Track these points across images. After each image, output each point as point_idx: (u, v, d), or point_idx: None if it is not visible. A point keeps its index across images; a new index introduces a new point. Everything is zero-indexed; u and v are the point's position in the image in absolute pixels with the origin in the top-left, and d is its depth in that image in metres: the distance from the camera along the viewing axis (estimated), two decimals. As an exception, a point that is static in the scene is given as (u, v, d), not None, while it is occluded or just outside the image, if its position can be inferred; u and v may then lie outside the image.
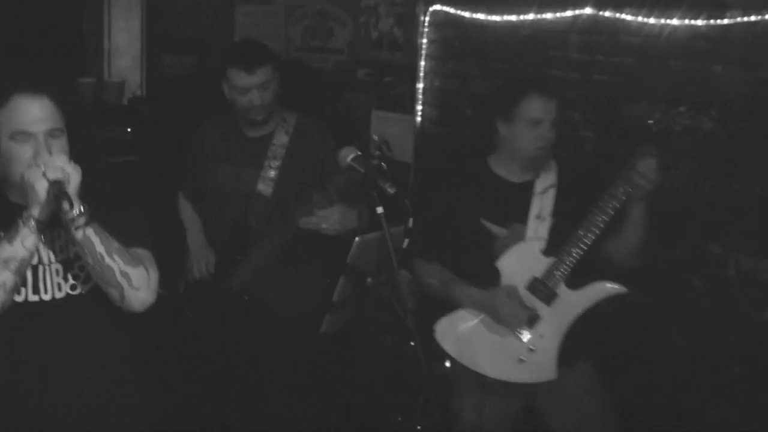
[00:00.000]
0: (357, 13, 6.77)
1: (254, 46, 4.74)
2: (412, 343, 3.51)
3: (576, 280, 4.06)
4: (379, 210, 3.45)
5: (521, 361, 4.12)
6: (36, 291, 3.22)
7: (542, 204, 4.19)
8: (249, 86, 4.49)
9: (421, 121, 6.20)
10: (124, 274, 3.10)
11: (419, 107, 6.20)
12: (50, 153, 3.05)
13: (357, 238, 4.31)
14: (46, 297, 3.23)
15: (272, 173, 4.62)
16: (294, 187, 4.56)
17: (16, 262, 3.00)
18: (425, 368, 3.50)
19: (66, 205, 2.93)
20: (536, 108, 4.07)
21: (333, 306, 4.43)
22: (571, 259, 4.01)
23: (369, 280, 4.29)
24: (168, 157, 7.15)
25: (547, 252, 4.11)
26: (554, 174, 4.23)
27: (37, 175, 2.96)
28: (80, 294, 3.28)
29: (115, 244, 3.08)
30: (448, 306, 4.21)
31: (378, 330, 5.53)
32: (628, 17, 4.98)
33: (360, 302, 4.60)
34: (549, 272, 4.07)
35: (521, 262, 4.14)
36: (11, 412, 3.27)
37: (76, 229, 3.00)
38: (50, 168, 2.96)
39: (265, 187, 4.62)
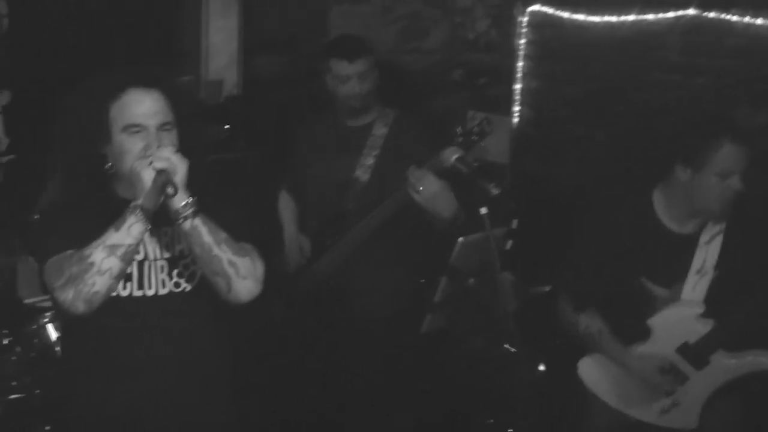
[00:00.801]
0: (453, 13, 6.75)
1: (354, 38, 4.96)
2: (507, 346, 3.49)
3: (735, 340, 3.85)
4: (483, 211, 3.43)
5: (664, 411, 3.99)
6: (141, 286, 3.26)
7: (706, 255, 3.88)
8: (350, 74, 4.66)
9: (518, 123, 6.16)
10: (231, 264, 3.12)
11: (516, 108, 6.17)
12: (160, 146, 3.09)
13: (460, 239, 4.30)
14: (150, 292, 3.27)
15: (370, 161, 4.74)
16: (390, 176, 4.57)
17: (123, 249, 3.01)
18: (523, 372, 3.47)
19: (171, 191, 2.98)
20: (728, 159, 3.67)
21: (434, 306, 4.42)
22: (733, 324, 3.78)
23: (471, 281, 4.27)
24: (262, 155, 7.19)
25: (706, 313, 3.86)
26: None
27: (144, 164, 3.01)
28: (183, 291, 3.31)
29: (223, 234, 3.12)
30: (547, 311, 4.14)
31: (468, 331, 5.51)
32: (734, 18, 4.88)
33: (461, 303, 4.59)
34: (705, 340, 3.84)
35: (676, 325, 3.91)
36: (109, 404, 3.30)
37: (184, 219, 3.05)
38: (157, 158, 3.01)
39: (362, 174, 4.74)
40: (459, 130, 4.13)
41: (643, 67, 5.40)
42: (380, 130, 4.78)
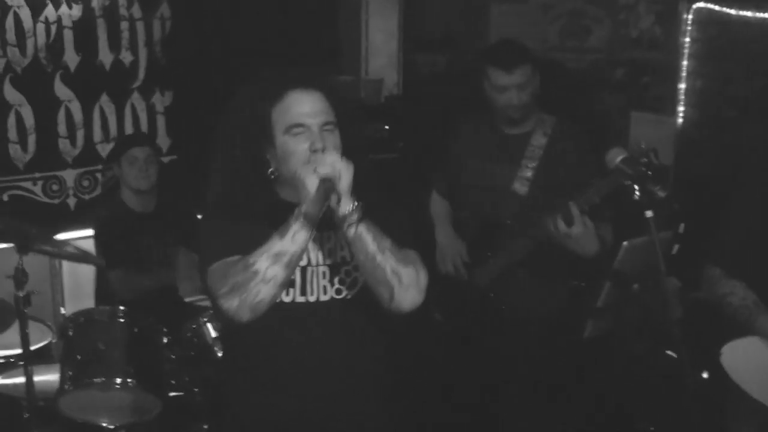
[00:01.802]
0: (615, 10, 6.65)
1: (514, 46, 4.69)
2: (669, 353, 3.40)
3: None
4: (648, 214, 3.34)
5: None
6: (303, 292, 3.26)
7: None
8: (507, 85, 4.48)
9: (683, 123, 6.04)
10: (395, 273, 3.08)
11: (681, 108, 6.04)
12: (324, 147, 3.09)
13: (625, 243, 4.23)
14: (312, 298, 3.26)
15: (529, 173, 4.57)
16: (549, 189, 4.48)
17: (287, 257, 3.00)
18: (689, 380, 3.38)
19: (335, 201, 2.97)
20: None
21: (597, 311, 4.36)
22: None
23: (635, 286, 4.18)
24: (422, 154, 7.19)
25: None
26: None
27: (309, 171, 2.98)
28: (344, 298, 3.29)
29: (387, 242, 3.08)
30: (722, 323, 4.01)
31: (631, 336, 5.42)
32: None
33: (624, 308, 4.51)
34: None
35: None
36: (267, 407, 3.32)
37: (349, 226, 3.02)
38: (322, 164, 2.98)
39: (520, 186, 4.58)
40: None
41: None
42: (539, 140, 4.62)
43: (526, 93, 4.51)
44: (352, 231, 3.02)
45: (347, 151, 3.12)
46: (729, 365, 3.79)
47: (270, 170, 3.21)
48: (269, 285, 2.99)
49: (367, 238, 3.04)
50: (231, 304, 3.02)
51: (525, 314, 4.60)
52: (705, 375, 4.12)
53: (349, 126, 3.27)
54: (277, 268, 2.99)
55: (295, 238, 2.99)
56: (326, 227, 3.16)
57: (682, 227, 3.57)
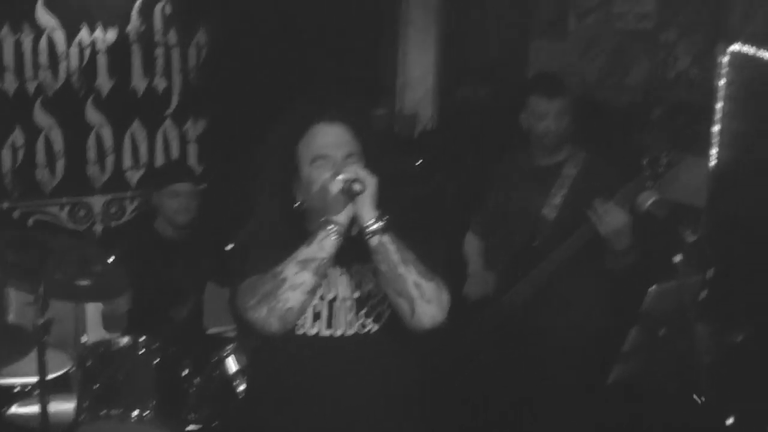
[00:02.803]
0: (654, 50, 6.61)
1: (554, 77, 5.06)
2: (696, 396, 3.37)
3: None
4: (677, 258, 3.33)
5: None
6: (330, 326, 3.27)
7: None
8: (547, 112, 4.75)
9: (716, 164, 5.99)
10: (417, 285, 3.08)
11: (714, 150, 6.00)
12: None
13: (653, 287, 4.18)
14: (338, 333, 3.28)
15: (558, 200, 4.79)
16: (577, 215, 4.56)
17: (315, 263, 3.03)
18: (710, 425, 3.33)
19: (358, 187, 2.99)
20: None
21: (623, 356, 4.30)
22: None
23: (662, 331, 4.12)
24: (455, 190, 7.18)
25: None
26: None
27: (333, 178, 3.05)
28: (369, 332, 3.31)
29: (411, 255, 3.09)
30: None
31: (658, 381, 5.36)
32: None
33: (652, 354, 4.46)
34: None
35: None
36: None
37: (372, 234, 3.04)
38: (345, 172, 3.05)
39: (549, 212, 4.80)
40: (646, 161, 4.22)
41: None
42: (570, 171, 4.82)
43: (564, 122, 4.76)
44: (375, 239, 3.05)
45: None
46: None
47: (296, 204, 3.27)
48: (297, 291, 3.02)
49: (390, 248, 3.05)
50: (260, 313, 3.05)
51: (555, 337, 4.73)
52: (730, 421, 4.07)
53: (374, 157, 3.29)
54: (305, 275, 3.02)
55: (322, 244, 3.04)
56: (353, 260, 3.22)
57: (711, 272, 3.51)
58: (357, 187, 2.99)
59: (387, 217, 3.06)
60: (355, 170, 3.05)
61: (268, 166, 3.31)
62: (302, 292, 3.02)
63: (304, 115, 3.29)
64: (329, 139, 3.22)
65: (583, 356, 4.71)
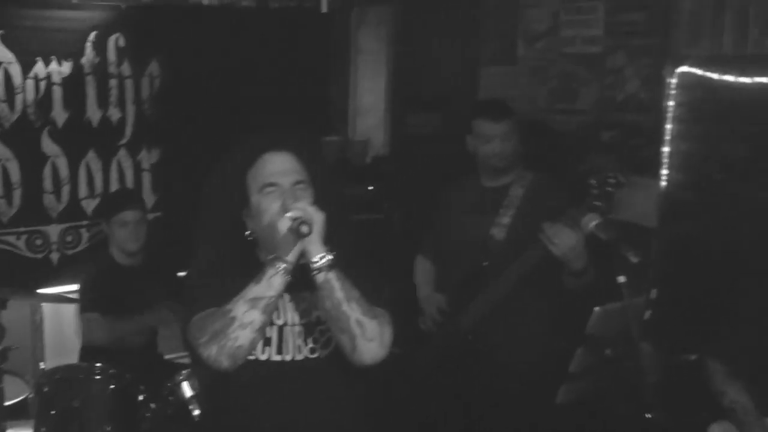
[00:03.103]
0: (602, 74, 6.67)
1: (499, 102, 5.13)
2: (648, 415, 3.41)
3: None
4: (621, 279, 3.37)
5: None
6: (279, 351, 3.32)
7: None
8: (493, 135, 4.82)
9: (667, 186, 6.03)
10: (359, 323, 3.13)
11: (664, 172, 6.04)
12: (296, 199, 3.17)
13: (597, 308, 4.23)
14: (287, 357, 3.33)
15: (506, 219, 4.82)
16: (526, 234, 4.58)
17: (264, 301, 3.07)
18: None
19: (305, 230, 3.02)
20: None
21: (571, 376, 4.35)
22: None
23: (608, 351, 4.17)
24: (409, 215, 7.21)
25: None
26: None
27: (280, 216, 3.09)
28: (317, 357, 3.36)
29: (355, 293, 3.14)
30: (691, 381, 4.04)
31: (606, 401, 5.39)
32: None
33: (598, 374, 4.50)
34: None
35: None
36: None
37: (318, 271, 3.09)
38: (293, 209, 3.09)
39: (498, 232, 4.82)
40: (594, 182, 4.21)
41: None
42: (516, 192, 4.86)
43: (510, 144, 4.83)
44: (321, 276, 3.10)
45: (322, 206, 3.17)
46: None
47: (247, 233, 3.31)
48: (247, 330, 3.05)
49: (335, 285, 3.10)
50: (210, 351, 3.09)
51: (507, 357, 4.74)
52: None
53: (322, 184, 3.35)
54: (254, 313, 3.06)
55: (271, 282, 3.08)
56: (302, 288, 3.25)
57: (654, 293, 3.55)
58: (304, 229, 3.03)
59: (334, 253, 3.10)
60: (303, 207, 3.09)
61: (218, 195, 3.35)
62: (252, 330, 3.06)
63: (253, 145, 3.35)
64: (277, 167, 3.27)
65: (533, 377, 4.70)
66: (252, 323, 3.06)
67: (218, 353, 3.07)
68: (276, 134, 3.40)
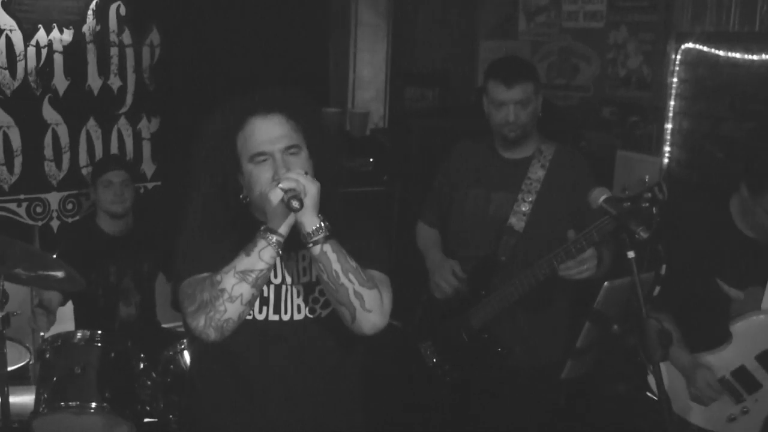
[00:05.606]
0: (604, 50, 6.66)
1: (518, 62, 4.66)
2: (649, 393, 3.40)
3: None
4: (630, 255, 3.31)
5: (731, 419, 3.97)
6: (277, 311, 3.26)
7: None
8: (505, 101, 4.34)
9: (668, 163, 6.03)
10: (357, 295, 3.07)
11: (667, 148, 6.04)
12: (288, 169, 3.06)
13: (606, 283, 4.19)
14: (286, 317, 3.27)
15: (525, 207, 4.42)
16: (547, 223, 4.37)
17: (254, 275, 3.01)
18: (670, 421, 3.37)
19: (296, 205, 2.93)
20: None
21: (576, 351, 4.33)
22: None
23: (615, 327, 4.13)
24: (407, 188, 7.19)
25: None
26: None
27: (273, 187, 2.99)
28: (318, 317, 3.29)
29: (352, 264, 3.07)
30: None
31: (610, 377, 5.39)
32: None
33: (604, 349, 4.49)
34: None
35: (757, 332, 3.93)
36: (242, 425, 3.33)
37: (314, 243, 3.01)
38: (285, 179, 2.98)
39: (517, 221, 4.43)
40: (626, 193, 3.64)
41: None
42: (536, 173, 4.44)
43: (526, 112, 4.38)
44: (317, 249, 3.02)
45: (317, 174, 3.11)
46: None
47: (241, 195, 3.22)
48: (235, 303, 3.00)
49: (331, 257, 3.03)
50: (198, 322, 3.03)
51: (522, 357, 4.50)
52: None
53: (318, 146, 3.23)
54: (243, 286, 3.00)
55: (261, 255, 3.01)
56: (300, 246, 3.13)
57: (663, 269, 3.51)
58: (295, 204, 2.92)
59: (328, 224, 3.02)
60: (296, 178, 2.98)
61: (211, 157, 3.19)
62: (240, 303, 3.01)
63: (241, 107, 3.20)
64: (266, 134, 3.12)
65: (540, 377, 4.54)
66: (241, 296, 3.00)
67: (206, 325, 3.01)
68: (264, 94, 3.25)
